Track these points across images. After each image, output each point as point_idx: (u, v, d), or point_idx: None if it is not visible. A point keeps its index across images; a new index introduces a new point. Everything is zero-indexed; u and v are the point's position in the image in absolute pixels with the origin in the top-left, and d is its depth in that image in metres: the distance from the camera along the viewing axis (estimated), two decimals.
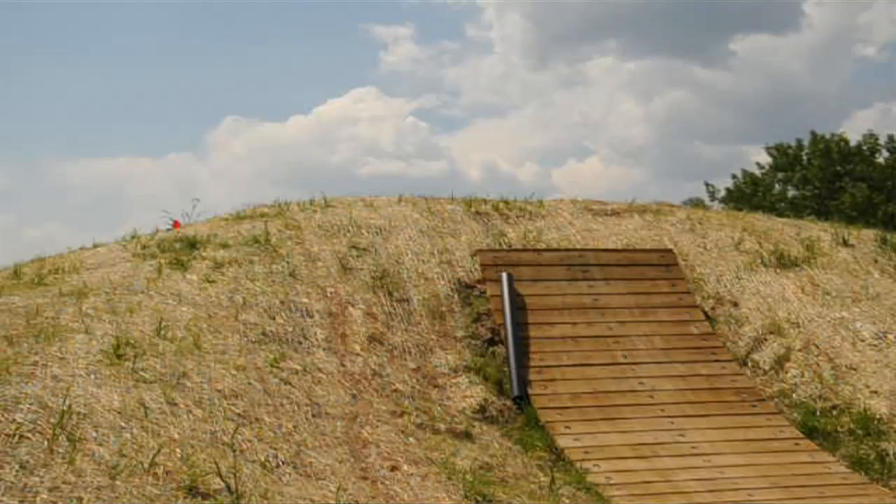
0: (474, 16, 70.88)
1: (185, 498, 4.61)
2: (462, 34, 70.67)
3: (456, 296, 8.01)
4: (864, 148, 33.07)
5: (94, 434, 4.95)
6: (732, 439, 6.91)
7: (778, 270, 8.88)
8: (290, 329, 7.05)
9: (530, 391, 7.15)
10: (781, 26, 59.79)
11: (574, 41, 62.75)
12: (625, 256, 8.74)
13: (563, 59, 65.08)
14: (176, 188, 55.60)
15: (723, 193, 34.86)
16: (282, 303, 7.34)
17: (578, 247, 8.91)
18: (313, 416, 6.06)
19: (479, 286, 8.13)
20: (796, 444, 6.94)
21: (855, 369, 7.58)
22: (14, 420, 4.85)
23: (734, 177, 35.19)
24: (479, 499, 5.60)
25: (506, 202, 9.86)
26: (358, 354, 7.01)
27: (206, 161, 65.61)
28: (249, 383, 6.12)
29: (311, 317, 7.28)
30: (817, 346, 7.86)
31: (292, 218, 8.94)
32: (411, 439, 6.19)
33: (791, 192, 34.07)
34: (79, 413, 5.09)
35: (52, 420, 4.93)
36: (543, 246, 8.92)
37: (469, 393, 6.96)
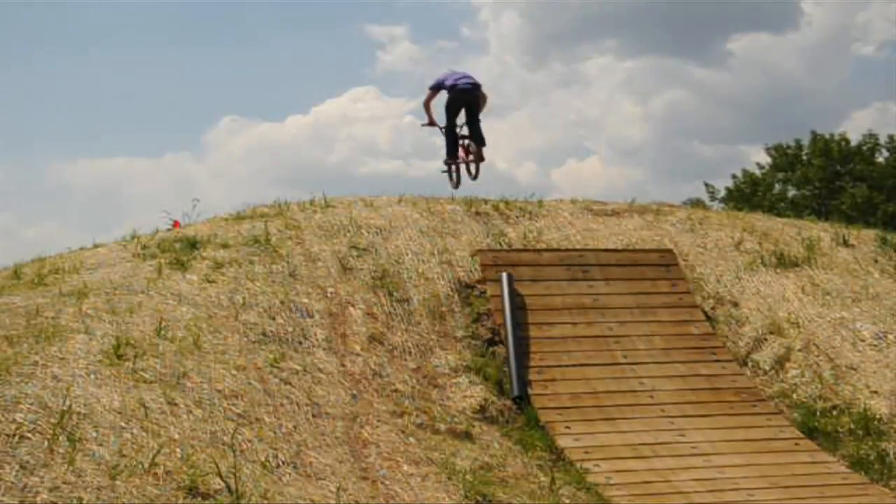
0: (469, 15, 70.93)
1: (185, 498, 4.61)
2: (458, 34, 70.70)
3: (456, 296, 8.01)
4: (864, 148, 33.06)
5: (94, 434, 4.95)
6: (732, 439, 6.91)
7: (778, 270, 8.88)
8: (290, 329, 7.05)
9: (530, 391, 7.15)
10: (780, 25, 59.82)
11: (571, 40, 62.73)
12: (625, 256, 8.73)
13: (560, 59, 65.07)
14: (174, 188, 55.61)
15: (723, 193, 34.85)
16: (282, 303, 7.34)
17: (578, 247, 8.91)
18: (313, 416, 6.06)
19: (479, 286, 8.13)
20: (796, 444, 6.94)
21: (855, 369, 7.59)
22: (14, 420, 4.85)
23: (734, 177, 35.18)
24: (479, 499, 5.61)
25: (506, 202, 9.86)
26: (358, 354, 7.01)
27: (204, 161, 65.63)
28: (249, 383, 6.12)
29: (311, 317, 7.28)
30: (817, 346, 7.86)
31: (292, 218, 8.94)
32: (411, 439, 6.19)
33: (791, 192, 34.05)
34: (79, 413, 5.09)
35: (52, 420, 4.93)
36: (543, 246, 8.92)
37: (469, 393, 6.96)
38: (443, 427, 6.47)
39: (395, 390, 6.75)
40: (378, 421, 6.27)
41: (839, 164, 32.64)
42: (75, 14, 65.95)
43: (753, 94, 56.39)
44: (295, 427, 5.83)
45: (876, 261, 9.18)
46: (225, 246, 8.18)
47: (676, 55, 62.17)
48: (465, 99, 9.97)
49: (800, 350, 7.86)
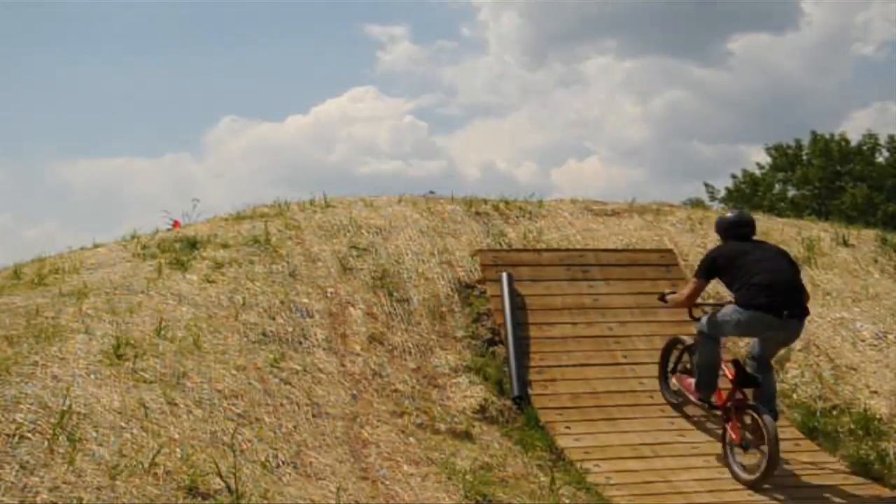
0: (469, 15, 70.90)
1: (185, 498, 4.61)
2: (457, 34, 70.67)
3: (456, 296, 8.01)
4: (864, 148, 33.07)
5: (94, 434, 4.95)
6: None
7: None
8: (290, 329, 7.05)
9: (530, 391, 7.15)
10: (780, 25, 59.84)
11: (571, 40, 62.76)
12: (625, 256, 8.73)
13: (559, 59, 65.09)
14: (174, 188, 55.66)
15: (723, 193, 34.88)
16: (282, 303, 7.34)
17: (578, 247, 8.90)
18: (313, 416, 6.06)
19: (479, 286, 8.13)
20: (796, 444, 6.94)
21: (855, 369, 7.58)
22: (14, 420, 4.86)
23: (734, 177, 35.23)
24: (479, 499, 5.60)
25: (506, 202, 9.86)
26: (358, 354, 7.01)
27: (203, 161, 65.63)
28: (249, 383, 6.12)
29: (311, 317, 7.28)
30: (817, 346, 7.86)
31: (292, 218, 8.94)
32: (411, 439, 6.19)
33: (791, 192, 34.07)
34: (79, 413, 5.09)
35: (52, 420, 4.93)
36: (543, 246, 8.92)
37: (469, 393, 6.95)
38: (443, 427, 6.47)
39: (395, 390, 6.75)
40: (378, 421, 6.27)
41: (839, 164, 32.66)
42: (75, 14, 65.97)
43: (753, 94, 56.45)
44: (295, 427, 5.83)
45: (876, 261, 9.18)
46: (225, 246, 8.18)
47: (676, 55, 62.26)
48: None
49: (800, 350, 7.85)
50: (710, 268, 6.49)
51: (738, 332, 6.55)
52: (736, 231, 6.50)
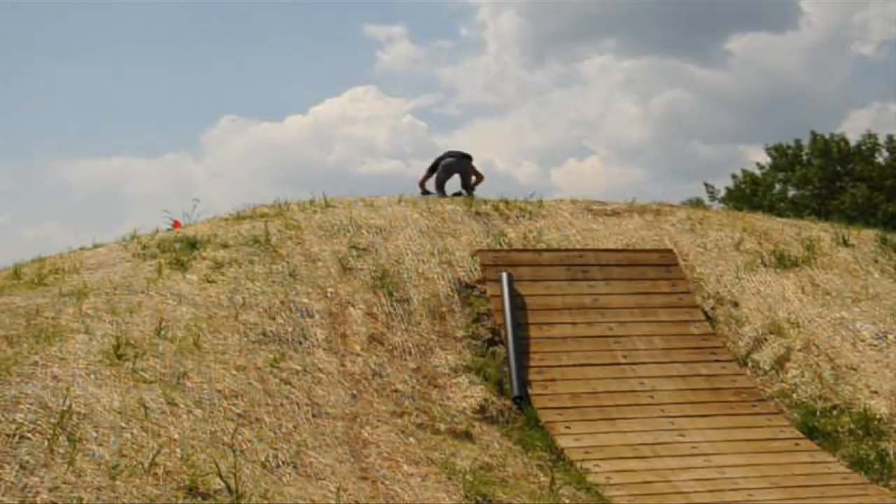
0: (468, 15, 70.76)
1: (185, 498, 4.61)
2: (456, 33, 70.53)
3: (456, 296, 8.02)
4: (864, 148, 33.04)
5: (94, 434, 4.94)
6: (732, 439, 6.91)
7: (778, 270, 8.88)
8: (290, 329, 7.05)
9: (530, 391, 7.15)
10: (779, 25, 59.73)
11: (570, 40, 62.60)
12: (625, 256, 8.73)
13: (559, 58, 64.91)
14: (173, 188, 55.51)
15: (723, 193, 34.83)
16: (282, 303, 7.34)
17: (578, 247, 8.91)
18: (313, 416, 6.05)
19: (479, 286, 8.13)
20: (796, 444, 6.94)
21: (855, 369, 7.58)
22: (14, 420, 4.85)
23: (734, 177, 35.17)
24: (479, 499, 5.60)
25: (506, 202, 9.87)
26: (358, 354, 7.01)
27: (203, 161, 65.51)
28: (249, 383, 6.12)
29: (311, 317, 7.28)
30: (817, 346, 7.86)
31: (292, 218, 8.94)
32: (411, 439, 6.19)
33: (791, 192, 34.03)
34: (79, 413, 5.09)
35: (52, 420, 4.93)
36: (543, 246, 8.92)
37: (469, 393, 6.96)
38: (443, 427, 6.47)
39: (395, 390, 6.75)
40: (378, 421, 6.27)
41: (839, 164, 32.61)
42: (75, 14, 65.91)
43: (753, 93, 56.28)
44: (295, 427, 5.83)
45: (876, 261, 9.18)
46: (225, 246, 8.18)
47: (676, 55, 62.07)
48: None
49: (800, 350, 7.86)
50: (435, 163, 11.14)
51: (445, 174, 11.13)
52: (448, 152, 11.28)
